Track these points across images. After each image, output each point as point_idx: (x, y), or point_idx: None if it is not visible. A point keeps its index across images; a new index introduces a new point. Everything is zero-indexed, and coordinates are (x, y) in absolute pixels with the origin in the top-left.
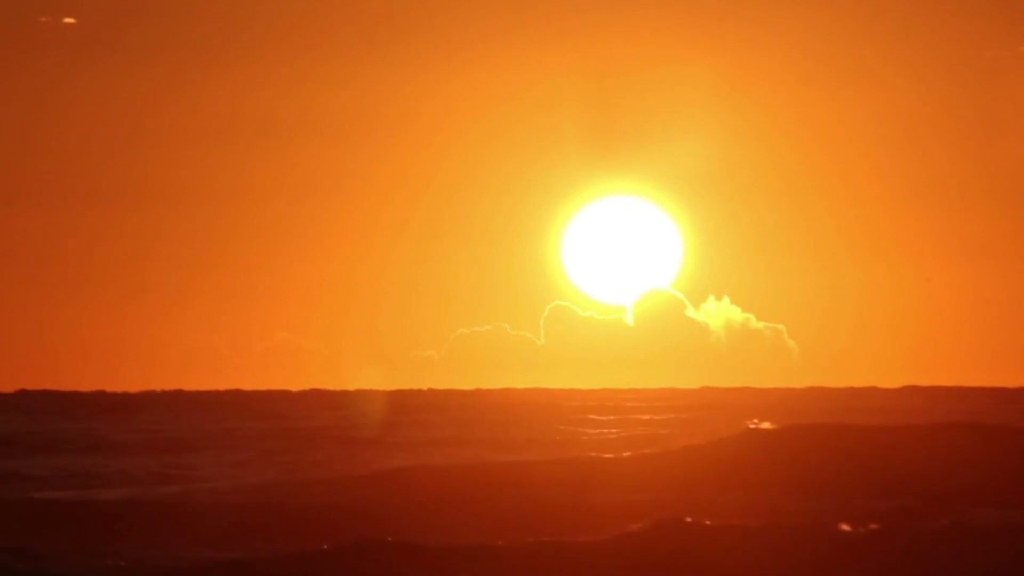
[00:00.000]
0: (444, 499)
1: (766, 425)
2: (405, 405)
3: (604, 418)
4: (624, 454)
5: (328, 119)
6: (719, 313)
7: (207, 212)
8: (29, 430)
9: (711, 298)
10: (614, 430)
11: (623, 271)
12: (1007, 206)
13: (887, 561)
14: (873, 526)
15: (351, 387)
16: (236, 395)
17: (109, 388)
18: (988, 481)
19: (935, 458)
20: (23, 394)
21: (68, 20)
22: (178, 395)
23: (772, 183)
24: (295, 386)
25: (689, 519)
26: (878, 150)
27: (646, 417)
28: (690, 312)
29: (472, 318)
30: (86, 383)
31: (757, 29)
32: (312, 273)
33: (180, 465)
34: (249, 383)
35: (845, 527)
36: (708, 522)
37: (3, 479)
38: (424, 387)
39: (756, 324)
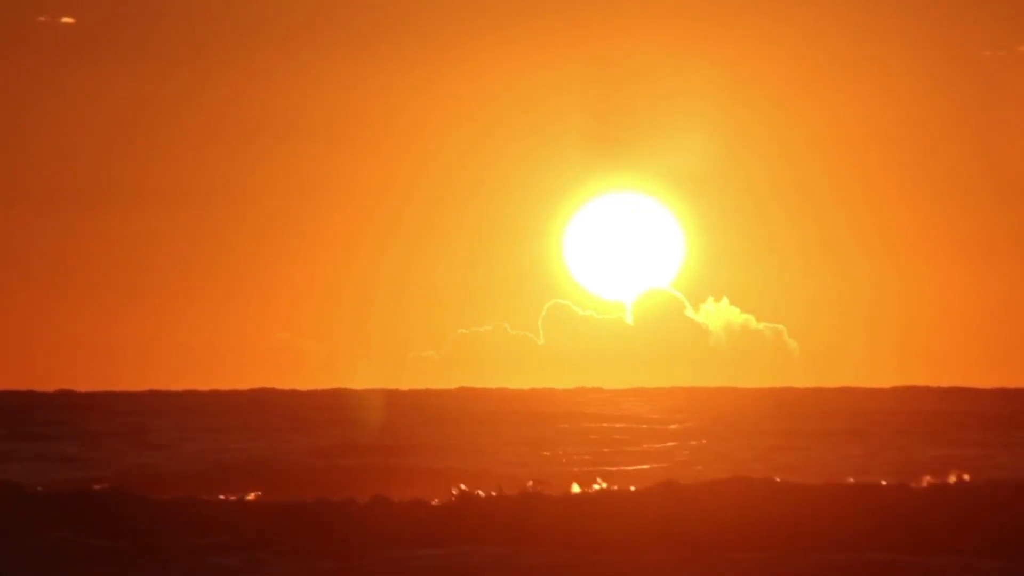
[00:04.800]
0: None
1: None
2: (405, 405)
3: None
4: None
5: (329, 117)
6: (719, 315)
7: (207, 212)
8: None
9: (710, 299)
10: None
11: (624, 268)
12: (1007, 206)
13: None
14: None
15: (350, 387)
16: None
17: (106, 388)
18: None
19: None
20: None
21: (66, 20)
22: (178, 395)
23: (772, 183)
24: (294, 386)
25: None
26: (877, 149)
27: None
28: (689, 312)
29: (471, 318)
30: (83, 383)
31: (762, 26)
32: (310, 273)
33: None
34: (249, 383)
35: None
36: None
37: None
38: (423, 387)
39: (756, 325)
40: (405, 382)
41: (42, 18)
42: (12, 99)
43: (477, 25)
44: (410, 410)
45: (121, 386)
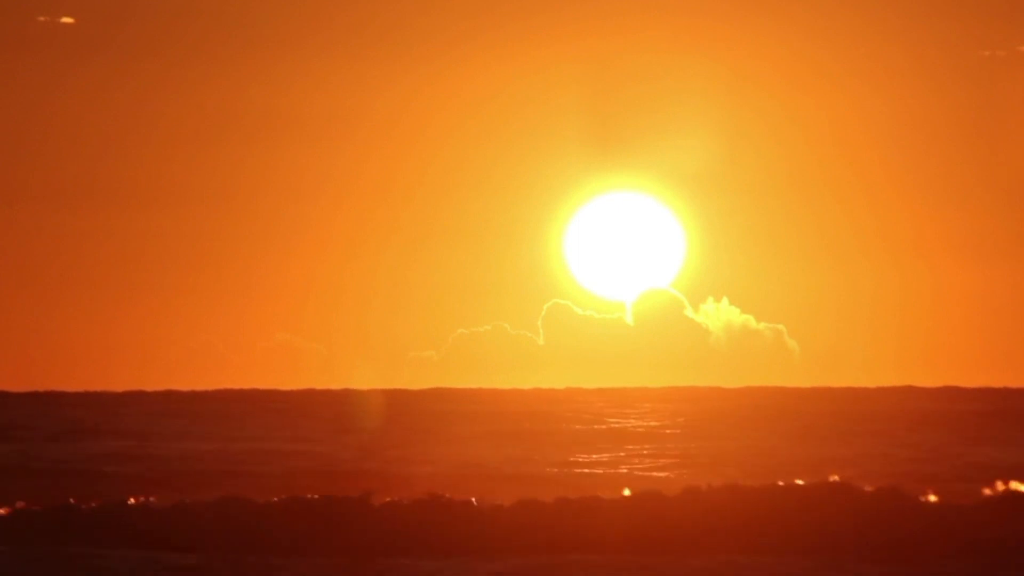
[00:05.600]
0: None
1: None
2: (405, 405)
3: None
4: None
5: (329, 117)
6: (718, 315)
7: (207, 212)
8: None
9: (710, 299)
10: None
11: (624, 268)
12: (1007, 206)
13: None
14: None
15: (350, 387)
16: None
17: (105, 388)
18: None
19: None
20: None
21: (66, 20)
22: (172, 395)
23: (773, 183)
24: (293, 386)
25: None
26: (877, 149)
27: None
28: (689, 312)
29: (471, 318)
30: (82, 383)
31: (762, 26)
32: (310, 273)
33: None
34: (248, 383)
35: None
36: None
37: None
38: (423, 387)
39: (756, 325)
40: (405, 382)
41: (42, 18)
42: (12, 99)
43: (477, 25)
44: (399, 411)
45: (119, 386)
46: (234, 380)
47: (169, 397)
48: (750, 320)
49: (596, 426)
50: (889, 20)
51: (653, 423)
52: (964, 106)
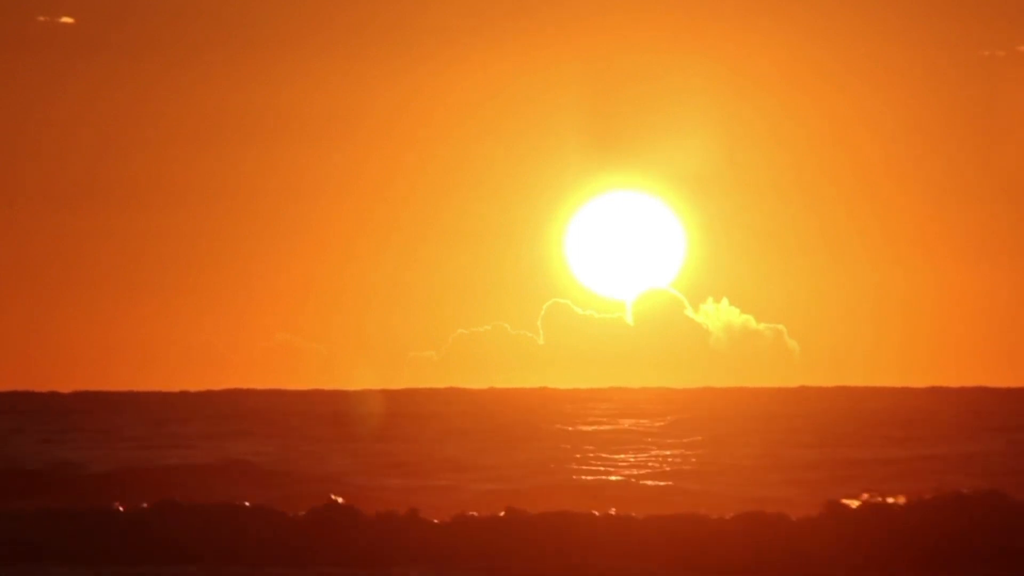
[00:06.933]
0: None
1: None
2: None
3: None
4: None
5: (329, 117)
6: (718, 315)
7: (207, 212)
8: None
9: (710, 299)
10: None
11: (624, 268)
12: (1006, 206)
13: None
14: None
15: (350, 387)
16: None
17: (106, 388)
18: None
19: None
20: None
21: (66, 20)
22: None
23: (773, 183)
24: (294, 386)
25: None
26: (877, 149)
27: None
28: (689, 313)
29: (471, 318)
30: (83, 383)
31: (763, 26)
32: (310, 273)
33: None
34: (248, 383)
35: None
36: None
37: None
38: (423, 387)
39: (756, 325)
40: (405, 382)
41: (42, 18)
42: (12, 99)
43: (477, 24)
44: (397, 411)
45: (118, 387)
46: (234, 380)
47: (166, 398)
48: (750, 320)
49: (582, 428)
50: (889, 20)
51: (644, 424)
52: (964, 106)
